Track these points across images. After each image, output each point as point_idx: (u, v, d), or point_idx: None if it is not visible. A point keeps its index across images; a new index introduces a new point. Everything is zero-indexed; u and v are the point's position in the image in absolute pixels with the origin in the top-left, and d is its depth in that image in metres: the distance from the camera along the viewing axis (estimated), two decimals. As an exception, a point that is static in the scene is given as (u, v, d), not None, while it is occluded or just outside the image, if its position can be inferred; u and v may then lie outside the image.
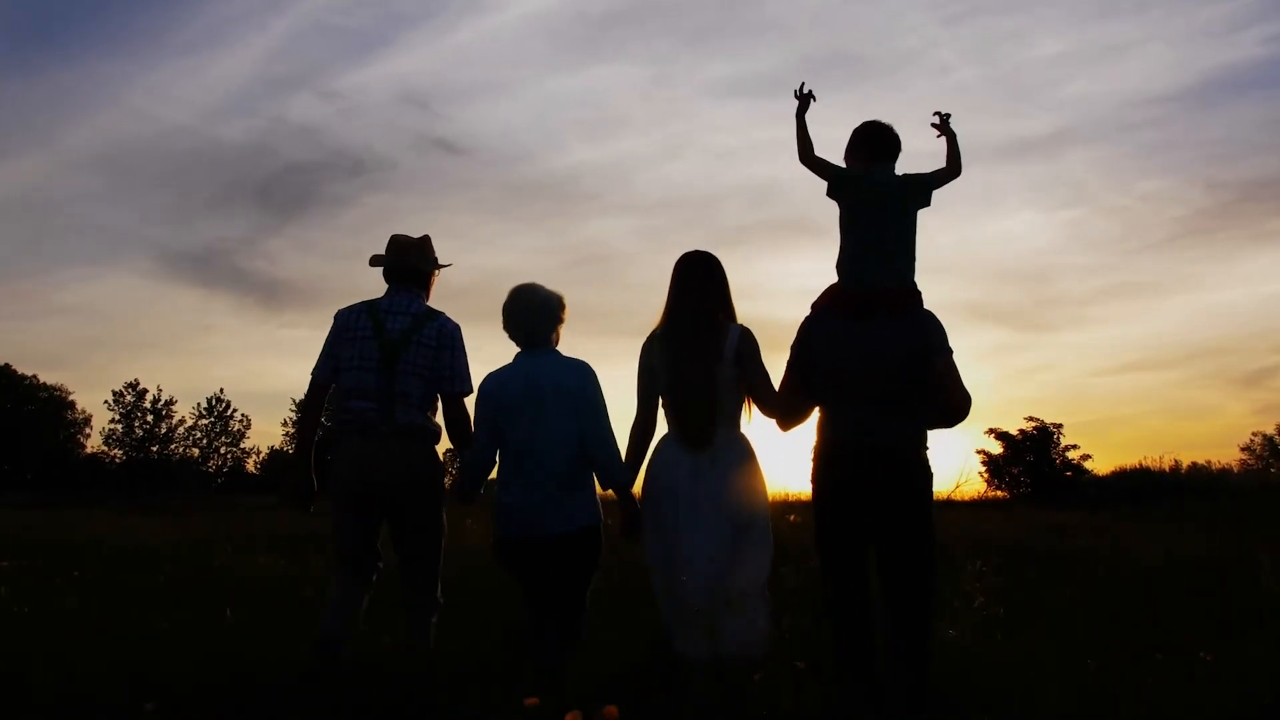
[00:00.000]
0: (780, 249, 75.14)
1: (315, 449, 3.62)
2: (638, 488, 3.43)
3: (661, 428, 3.46)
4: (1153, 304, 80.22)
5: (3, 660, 3.41)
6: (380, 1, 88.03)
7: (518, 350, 3.48)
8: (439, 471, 3.68)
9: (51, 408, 56.20)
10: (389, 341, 3.54)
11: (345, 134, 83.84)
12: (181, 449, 57.73)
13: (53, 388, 56.76)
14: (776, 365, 3.39)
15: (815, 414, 3.32)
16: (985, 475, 28.34)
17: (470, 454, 3.51)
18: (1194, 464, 32.42)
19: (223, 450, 59.05)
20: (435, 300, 3.81)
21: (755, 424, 3.42)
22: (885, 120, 3.41)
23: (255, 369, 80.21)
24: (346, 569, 3.56)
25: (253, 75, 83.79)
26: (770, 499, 3.45)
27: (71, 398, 57.52)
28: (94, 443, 57.62)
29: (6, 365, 55.01)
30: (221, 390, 59.91)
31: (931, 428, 3.19)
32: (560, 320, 3.50)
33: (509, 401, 3.37)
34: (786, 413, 3.33)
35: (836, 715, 2.89)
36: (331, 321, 3.66)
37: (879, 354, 3.14)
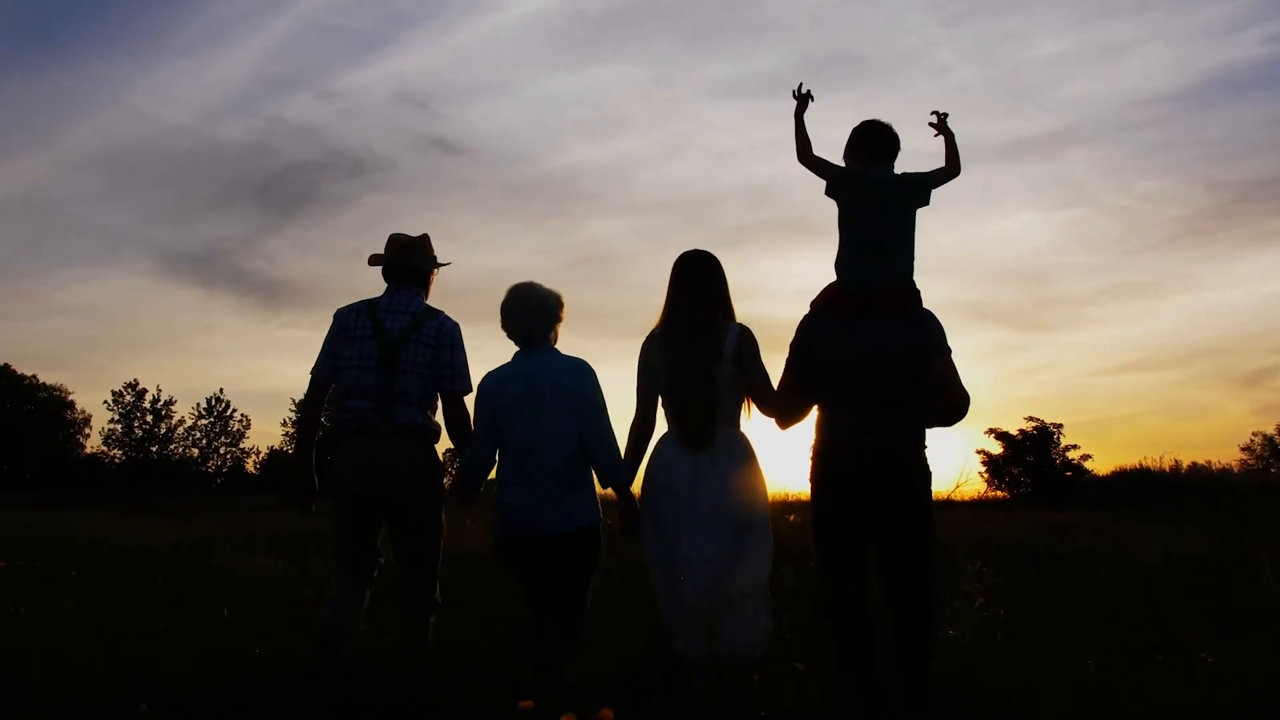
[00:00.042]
0: (780, 249, 75.27)
1: (315, 448, 3.62)
2: (637, 486, 3.43)
3: (661, 427, 3.46)
4: (1153, 304, 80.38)
5: (1, 660, 3.40)
6: (380, 1, 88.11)
7: (516, 349, 3.48)
8: (439, 471, 3.67)
9: (51, 408, 56.22)
10: (388, 340, 3.54)
11: (345, 134, 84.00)
12: (181, 449, 57.82)
13: (52, 388, 56.88)
14: (777, 365, 3.39)
15: (814, 413, 3.32)
16: (985, 475, 28.45)
17: (470, 453, 3.51)
18: (1194, 464, 32.55)
19: (222, 450, 59.13)
20: (435, 300, 3.81)
21: (754, 423, 3.42)
22: (885, 120, 3.41)
23: (255, 369, 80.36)
24: (347, 568, 3.56)
25: (252, 75, 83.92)
26: (770, 499, 3.45)
27: (71, 398, 57.68)
28: (93, 443, 57.77)
29: (6, 365, 55.13)
30: (221, 390, 60.08)
31: (930, 426, 3.18)
32: (558, 319, 3.50)
33: (507, 400, 3.37)
34: (785, 411, 3.32)
35: (836, 716, 2.88)
36: (331, 321, 3.66)
37: (878, 353, 3.13)
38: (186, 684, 3.08)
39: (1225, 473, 32.53)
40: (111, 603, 4.92)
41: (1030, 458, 28.59)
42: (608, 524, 3.44)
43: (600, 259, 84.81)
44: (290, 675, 3.21)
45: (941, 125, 3.49)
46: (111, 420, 55.97)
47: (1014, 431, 28.98)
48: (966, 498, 17.70)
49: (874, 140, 3.38)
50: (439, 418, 3.67)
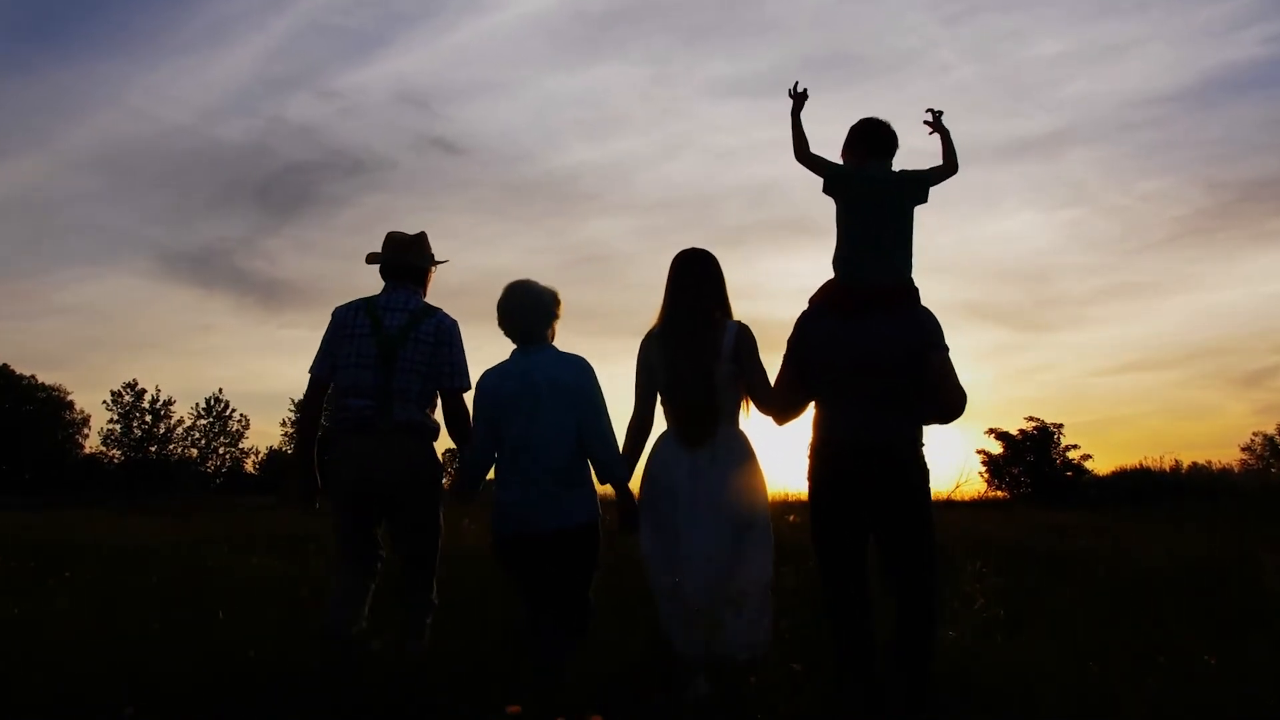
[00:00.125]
0: (780, 249, 75.40)
1: (316, 447, 3.61)
2: (635, 484, 3.41)
3: (659, 425, 3.45)
4: (1153, 304, 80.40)
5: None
6: (380, 1, 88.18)
7: (514, 348, 3.46)
8: (438, 469, 3.66)
9: (50, 408, 56.18)
10: (387, 338, 3.53)
11: (344, 134, 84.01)
12: (180, 449, 57.80)
13: (51, 388, 56.82)
14: (777, 365, 3.38)
15: (811, 411, 3.30)
16: (985, 475, 28.36)
17: (469, 451, 3.49)
18: (1194, 464, 32.54)
19: (221, 450, 59.13)
20: (435, 301, 3.80)
21: (753, 421, 3.41)
22: (884, 119, 3.40)
23: (254, 369, 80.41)
24: (348, 563, 3.57)
25: (252, 75, 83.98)
26: (770, 498, 3.43)
27: (70, 398, 57.61)
28: (92, 443, 57.72)
29: (5, 365, 55.08)
30: (220, 390, 60.13)
31: (927, 424, 3.17)
32: (555, 316, 3.48)
33: (505, 398, 3.35)
34: (782, 408, 3.31)
35: (836, 716, 2.86)
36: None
37: (875, 350, 3.12)
38: (179, 685, 3.06)
39: (1226, 473, 32.56)
40: (105, 603, 4.89)
41: (1030, 458, 28.53)
42: (607, 521, 3.43)
43: (600, 259, 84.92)
44: (287, 676, 3.19)
45: (937, 123, 3.47)
46: (110, 420, 56.10)
47: (1014, 431, 28.94)
48: (966, 498, 17.74)
49: (871, 138, 3.37)
50: (438, 415, 3.66)
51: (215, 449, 58.86)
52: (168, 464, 55.80)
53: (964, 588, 4.62)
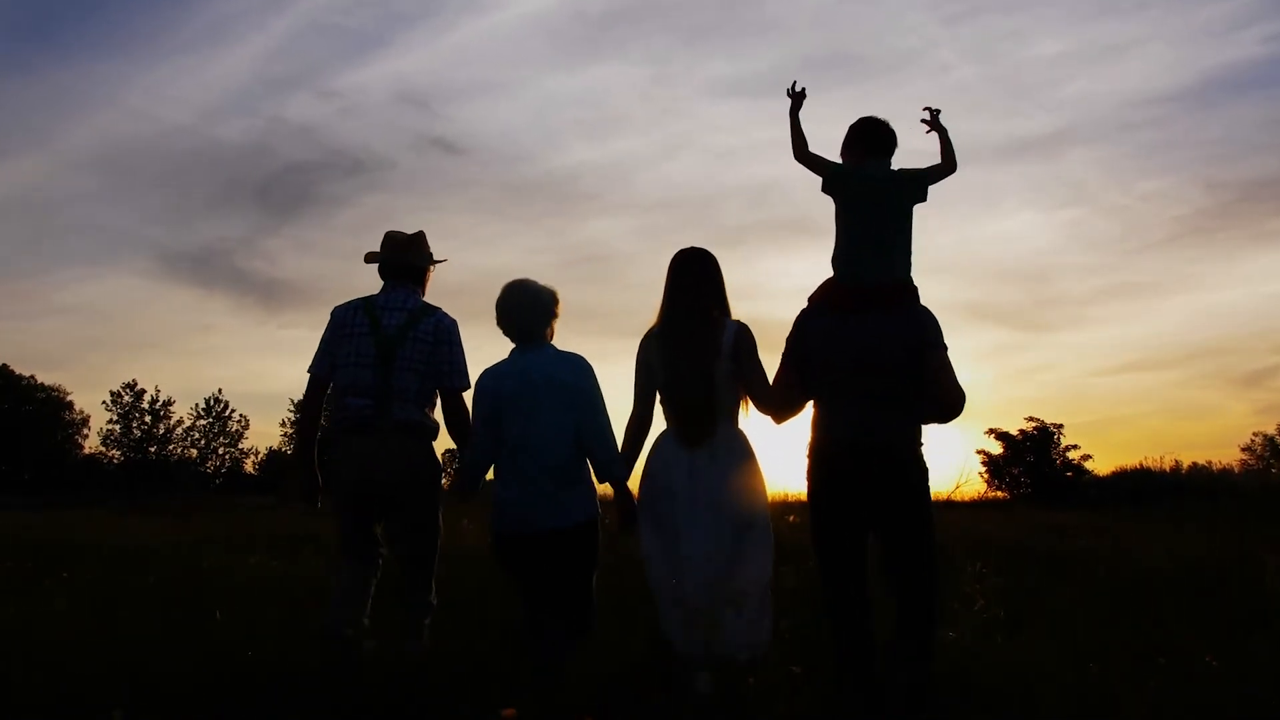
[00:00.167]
0: (780, 249, 75.41)
1: (316, 446, 3.62)
2: (634, 483, 3.41)
3: (659, 425, 3.44)
4: (1153, 304, 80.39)
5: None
6: (379, 1, 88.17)
7: (513, 347, 3.45)
8: (437, 469, 3.66)
9: (49, 408, 56.14)
10: (385, 337, 3.52)
11: (344, 134, 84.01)
12: (179, 449, 57.75)
13: (50, 388, 56.78)
14: (776, 365, 3.37)
15: (810, 410, 3.30)
16: (985, 475, 28.37)
17: (469, 450, 3.49)
18: (1194, 464, 32.54)
19: (221, 451, 59.07)
20: (434, 301, 3.79)
21: (751, 419, 3.40)
22: (884, 119, 3.40)
23: (254, 369, 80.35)
24: (350, 560, 3.57)
25: (251, 75, 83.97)
26: (770, 499, 3.43)
27: (69, 398, 57.57)
28: (92, 443, 57.65)
29: (5, 365, 55.06)
30: (220, 390, 59.99)
31: (926, 423, 3.17)
32: (554, 315, 3.48)
33: (504, 397, 3.35)
34: (781, 407, 3.31)
35: (836, 716, 2.86)
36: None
37: (874, 349, 3.12)
38: (179, 685, 3.05)
39: (1226, 473, 32.58)
40: (102, 603, 4.89)
41: (1030, 458, 28.53)
42: (606, 521, 3.42)
43: (599, 259, 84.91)
44: (287, 676, 3.19)
45: (934, 121, 3.47)
46: (110, 421, 56.01)
47: (1014, 432, 28.95)
48: (967, 498, 17.70)
49: (870, 137, 3.37)
50: (437, 415, 3.66)
51: (215, 449, 58.84)
52: (167, 464, 55.74)
53: (964, 588, 4.62)
